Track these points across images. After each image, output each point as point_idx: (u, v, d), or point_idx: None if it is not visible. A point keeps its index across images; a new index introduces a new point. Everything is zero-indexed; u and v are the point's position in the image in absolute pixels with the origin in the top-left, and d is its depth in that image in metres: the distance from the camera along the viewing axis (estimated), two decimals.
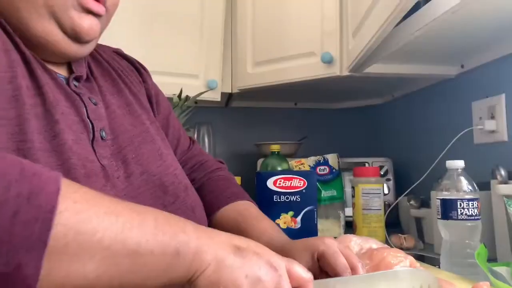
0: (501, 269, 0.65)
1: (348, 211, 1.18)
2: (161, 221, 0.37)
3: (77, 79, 0.55)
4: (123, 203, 0.36)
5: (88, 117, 0.52)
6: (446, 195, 0.70)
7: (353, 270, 0.51)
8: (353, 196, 1.05)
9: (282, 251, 0.56)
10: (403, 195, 1.07)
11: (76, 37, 0.51)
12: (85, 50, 0.54)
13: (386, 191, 1.31)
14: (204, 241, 0.38)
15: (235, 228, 0.64)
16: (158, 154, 0.59)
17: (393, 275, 0.48)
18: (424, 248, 1.02)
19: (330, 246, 0.53)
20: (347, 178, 1.28)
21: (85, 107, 0.53)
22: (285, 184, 0.88)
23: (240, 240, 0.41)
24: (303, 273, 0.41)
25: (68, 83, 0.53)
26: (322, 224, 1.05)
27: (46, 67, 0.51)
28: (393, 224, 1.20)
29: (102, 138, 0.53)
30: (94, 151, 0.51)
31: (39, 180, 0.30)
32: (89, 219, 0.32)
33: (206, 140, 1.45)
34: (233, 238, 0.40)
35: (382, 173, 1.35)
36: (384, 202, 1.13)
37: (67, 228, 0.30)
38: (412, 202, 1.10)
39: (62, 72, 0.55)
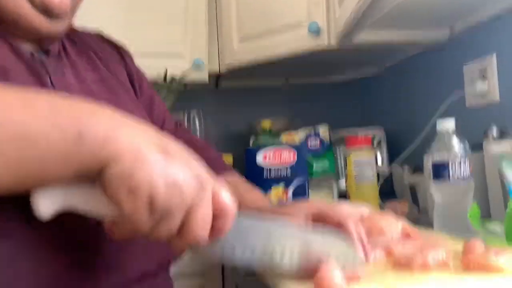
0: (495, 228, 0.64)
1: (342, 185, 1.18)
2: (60, 102, 0.33)
3: (46, 53, 0.53)
4: (16, 88, 0.32)
5: (52, 85, 0.50)
6: (437, 157, 0.68)
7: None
8: (345, 167, 1.04)
9: (274, 215, 0.55)
10: (396, 162, 1.06)
11: (46, 10, 0.49)
12: (58, 26, 0.52)
13: (379, 162, 1.30)
14: (122, 129, 0.34)
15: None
16: None
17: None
18: (419, 213, 1.01)
19: (323, 204, 0.56)
20: (339, 151, 1.27)
21: (49, 76, 0.50)
22: (275, 158, 0.87)
23: (169, 141, 0.36)
24: (228, 200, 0.37)
25: (33, 56, 0.51)
26: (315, 197, 1.04)
27: (8, 40, 0.49)
28: (388, 193, 1.19)
29: None
30: None
31: None
32: None
33: (197, 123, 1.43)
34: (164, 140, 0.36)
35: (375, 144, 1.34)
36: (378, 173, 1.12)
37: None
38: (405, 168, 1.09)
39: (31, 48, 0.53)
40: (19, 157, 0.31)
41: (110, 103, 0.56)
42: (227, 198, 0.37)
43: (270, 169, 0.86)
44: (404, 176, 1.12)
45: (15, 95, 0.32)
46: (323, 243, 0.46)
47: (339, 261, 0.44)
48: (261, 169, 0.86)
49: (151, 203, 0.33)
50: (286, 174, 0.85)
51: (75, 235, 0.43)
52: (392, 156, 1.34)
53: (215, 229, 0.37)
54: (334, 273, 0.43)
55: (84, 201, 0.36)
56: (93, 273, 0.44)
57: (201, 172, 0.36)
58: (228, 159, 1.29)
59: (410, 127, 1.31)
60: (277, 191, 0.87)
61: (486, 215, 0.77)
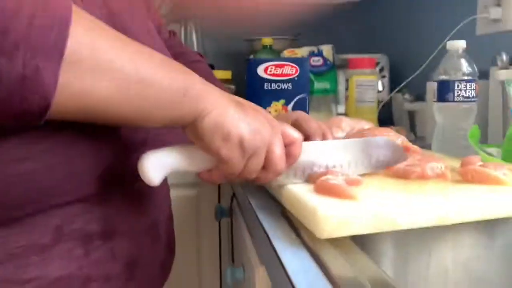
0: (492, 150, 0.65)
1: (341, 109, 1.17)
2: (167, 60, 0.38)
3: None
4: (129, 38, 0.36)
5: None
6: (444, 76, 0.67)
7: (324, 136, 0.58)
8: (346, 89, 1.02)
9: None
10: (398, 88, 1.05)
11: None
12: None
13: (380, 88, 1.28)
14: (209, 87, 0.40)
15: None
16: (146, 30, 0.56)
17: (369, 142, 0.52)
18: (416, 140, 1.02)
19: (302, 114, 0.61)
20: (341, 76, 1.25)
21: None
22: (277, 72, 0.84)
23: (239, 98, 0.43)
24: (294, 133, 0.45)
25: None
26: (313, 117, 1.03)
27: None
28: (386, 120, 1.19)
29: None
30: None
31: None
32: (101, 38, 0.33)
33: (194, 36, 1.37)
34: (233, 96, 0.43)
35: (378, 69, 1.31)
36: (378, 99, 1.11)
37: (81, 43, 0.31)
38: (406, 96, 1.08)
39: None
40: (137, 96, 0.35)
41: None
42: (293, 132, 0.45)
43: (271, 82, 0.84)
44: (404, 103, 1.11)
45: (137, 45, 0.37)
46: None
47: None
48: (262, 81, 0.84)
49: (241, 146, 0.40)
50: (287, 88, 0.84)
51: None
52: (393, 84, 1.32)
53: (289, 158, 0.45)
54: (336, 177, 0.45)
55: (186, 161, 0.42)
56: None
57: (271, 117, 0.44)
58: (227, 75, 1.26)
59: (415, 55, 1.28)
60: (276, 106, 0.85)
61: (483, 141, 0.77)
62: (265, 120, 0.42)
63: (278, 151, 0.43)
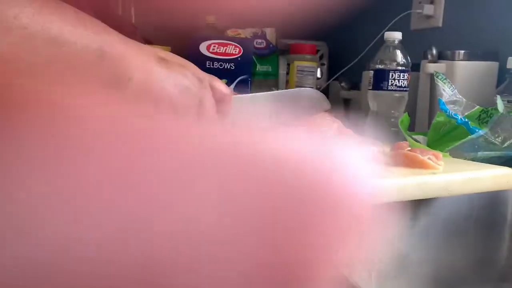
0: (419, 137, 0.69)
1: None
2: (83, 15, 0.33)
3: None
4: None
5: None
6: (380, 65, 0.70)
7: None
8: (287, 74, 1.03)
9: None
10: (335, 76, 1.08)
11: None
12: None
13: (319, 75, 1.32)
14: (129, 48, 0.36)
15: None
16: None
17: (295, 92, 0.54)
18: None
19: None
20: (282, 61, 1.26)
21: None
22: (220, 50, 0.83)
23: (164, 52, 0.40)
24: (224, 88, 0.43)
25: None
26: None
27: None
28: None
29: None
30: None
31: None
32: None
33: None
34: (157, 50, 0.40)
35: (318, 56, 1.34)
36: (316, 86, 1.14)
37: None
38: (343, 84, 1.12)
39: None
40: (47, 60, 0.31)
41: None
42: (222, 86, 0.43)
43: (213, 61, 0.82)
44: (340, 91, 1.15)
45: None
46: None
47: None
48: (204, 59, 0.82)
49: (171, 107, 0.37)
50: (230, 68, 0.83)
51: None
52: (331, 72, 1.37)
53: (220, 114, 0.42)
54: None
55: None
56: None
57: (195, 69, 0.41)
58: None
59: (353, 46, 1.33)
60: None
61: (411, 129, 0.82)
62: (193, 75, 0.40)
63: (208, 106, 0.41)
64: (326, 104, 0.56)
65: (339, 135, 0.62)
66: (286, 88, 1.04)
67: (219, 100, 0.42)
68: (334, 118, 0.66)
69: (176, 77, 0.38)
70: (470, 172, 0.46)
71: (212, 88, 0.42)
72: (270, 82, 1.07)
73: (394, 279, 0.54)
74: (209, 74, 0.43)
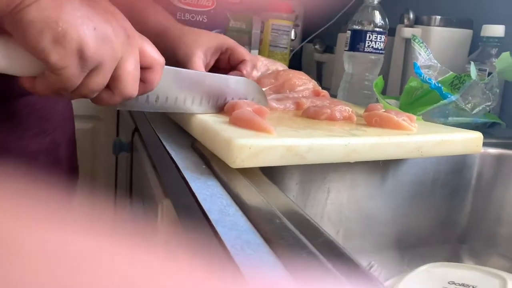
0: (391, 101, 0.69)
1: (254, 53, 1.15)
2: None
3: None
4: None
5: None
6: (357, 26, 0.68)
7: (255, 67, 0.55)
8: (261, 32, 1.00)
9: (183, 39, 0.52)
10: (310, 38, 1.06)
11: None
12: None
13: (293, 37, 1.29)
14: None
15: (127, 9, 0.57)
16: None
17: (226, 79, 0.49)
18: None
19: (232, 41, 0.56)
20: (256, 19, 1.22)
21: None
22: (192, 1, 0.79)
23: None
24: (156, 54, 0.37)
25: None
26: None
27: None
28: (295, 69, 1.21)
29: None
30: None
31: None
32: None
33: None
34: None
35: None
36: (290, 47, 1.11)
37: None
38: (317, 46, 1.10)
39: None
40: None
41: None
42: (154, 52, 0.36)
43: (185, 12, 0.78)
44: (314, 53, 1.14)
45: None
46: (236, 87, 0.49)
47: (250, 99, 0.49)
48: (175, 10, 0.78)
49: (80, 55, 0.31)
50: (202, 21, 0.79)
51: None
52: (305, 34, 1.34)
53: (145, 83, 0.37)
54: (246, 107, 0.44)
55: (3, 60, 0.32)
56: None
57: (128, 25, 0.34)
58: None
59: (329, 8, 1.30)
60: None
61: (383, 93, 0.83)
62: (120, 27, 0.33)
63: (130, 68, 0.34)
64: (263, 99, 0.52)
65: (314, 96, 0.60)
66: (259, 48, 1.01)
67: (147, 67, 0.36)
68: (310, 78, 0.65)
69: (98, 20, 0.31)
70: (442, 135, 0.46)
71: (142, 51, 0.35)
72: (243, 39, 1.03)
73: (360, 237, 0.55)
74: (143, 36, 0.37)
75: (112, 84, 0.34)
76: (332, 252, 0.27)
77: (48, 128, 0.44)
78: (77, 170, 0.54)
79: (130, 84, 0.34)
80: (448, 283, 0.47)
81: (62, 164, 0.48)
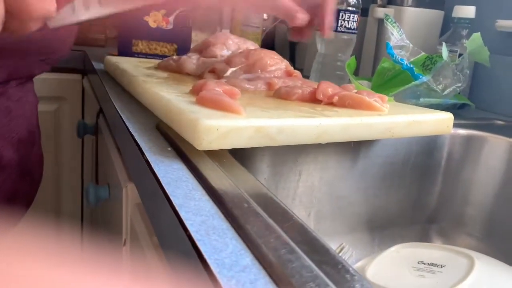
0: (363, 82, 0.68)
1: (225, 32, 1.12)
2: None
3: None
4: None
5: None
6: None
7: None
8: (233, 10, 0.97)
9: None
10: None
11: None
12: None
13: (265, 17, 1.26)
14: None
15: None
16: None
17: None
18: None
19: None
20: None
21: None
22: None
23: None
24: None
25: None
26: (196, 36, 0.97)
27: None
28: (268, 49, 1.19)
29: None
30: None
31: None
32: None
33: None
34: None
35: None
36: (263, 28, 1.09)
37: None
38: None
39: None
40: None
41: None
42: None
43: None
44: (286, 34, 1.12)
45: None
46: None
47: None
48: None
49: None
50: None
51: None
52: None
53: None
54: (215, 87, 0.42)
55: None
56: None
57: None
58: None
59: None
60: (156, 16, 0.77)
61: (355, 74, 0.82)
62: None
63: None
64: None
65: (286, 76, 0.59)
66: (230, 27, 0.98)
67: None
68: (282, 58, 0.63)
69: None
70: (414, 115, 0.46)
71: None
72: (213, 18, 1.00)
73: (331, 219, 0.55)
74: None
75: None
76: (301, 236, 0.25)
77: None
78: (33, 175, 0.51)
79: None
80: (418, 263, 0.48)
81: (6, 171, 0.44)
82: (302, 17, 0.49)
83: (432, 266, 0.47)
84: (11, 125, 0.48)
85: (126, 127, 0.44)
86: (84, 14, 0.35)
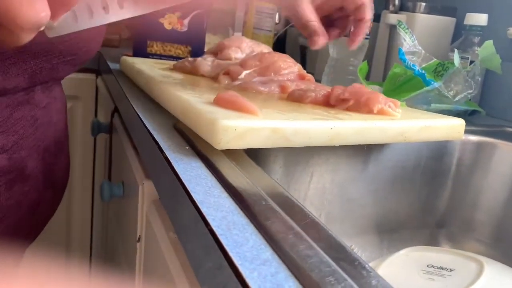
0: (374, 87, 0.69)
1: (237, 35, 1.13)
2: None
3: None
4: None
5: None
6: None
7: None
8: (245, 14, 0.99)
9: None
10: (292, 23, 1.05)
11: None
12: None
13: (277, 20, 1.28)
14: None
15: None
16: None
17: None
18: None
19: None
20: (239, 1, 1.20)
21: None
22: None
23: None
24: None
25: None
26: (209, 38, 0.98)
27: None
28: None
29: None
30: None
31: None
32: None
33: None
34: None
35: None
36: (274, 31, 1.10)
37: None
38: None
39: None
40: None
41: None
42: None
43: None
44: (298, 38, 1.13)
45: None
46: None
47: None
48: None
49: None
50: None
51: None
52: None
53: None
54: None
55: None
56: None
57: None
58: None
59: None
60: (171, 18, 0.78)
61: (366, 79, 0.83)
62: None
63: None
64: None
65: (299, 80, 0.60)
66: (243, 31, 0.99)
67: None
68: (295, 61, 0.64)
69: None
70: (426, 121, 0.47)
71: None
72: (226, 21, 1.02)
73: (341, 221, 0.55)
74: None
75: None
76: (318, 233, 0.26)
77: (5, 144, 0.41)
78: (58, 184, 0.51)
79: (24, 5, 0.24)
80: (427, 266, 0.48)
81: (30, 181, 0.44)
82: (322, 42, 0.53)
83: (441, 270, 0.47)
84: (37, 134, 0.47)
85: (144, 125, 0.45)
86: (98, 20, 0.32)
